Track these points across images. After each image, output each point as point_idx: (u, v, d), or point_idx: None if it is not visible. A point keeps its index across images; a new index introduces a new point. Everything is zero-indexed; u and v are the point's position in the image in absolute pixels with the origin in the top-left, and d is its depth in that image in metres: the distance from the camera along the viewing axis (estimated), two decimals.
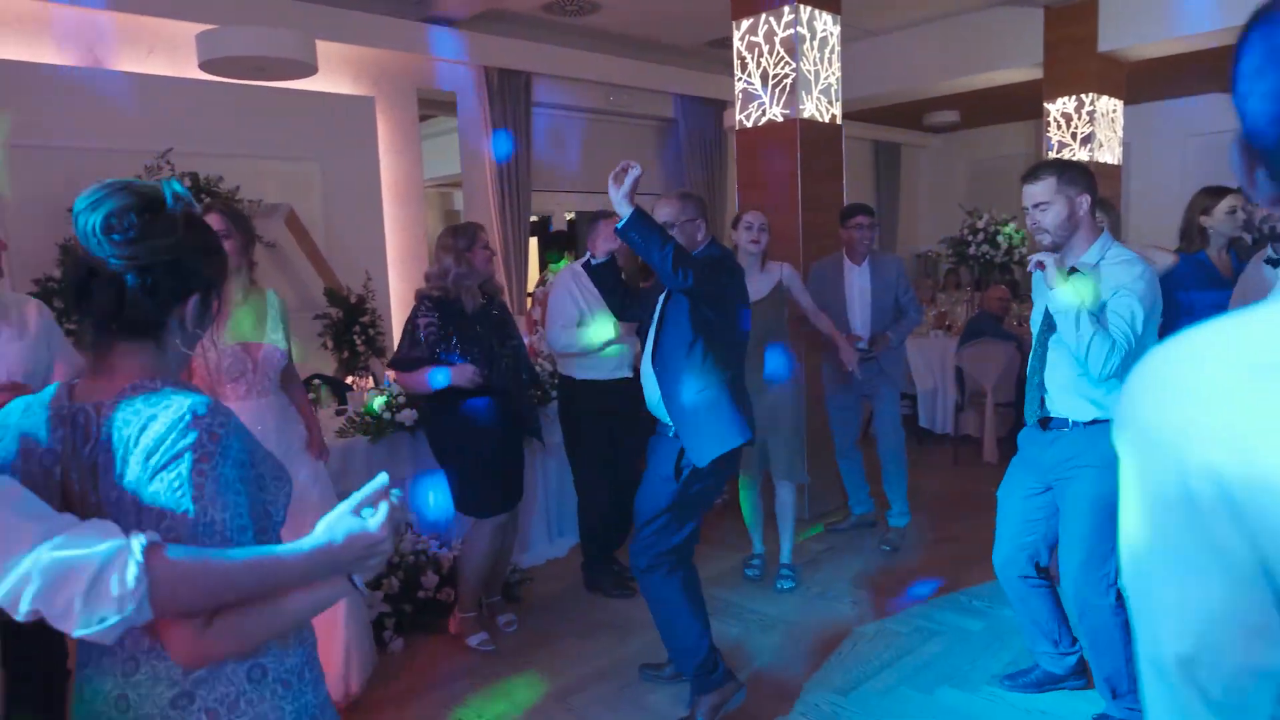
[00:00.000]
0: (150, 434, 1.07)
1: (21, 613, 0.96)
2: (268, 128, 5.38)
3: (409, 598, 3.41)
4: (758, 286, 3.74)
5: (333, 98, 5.73)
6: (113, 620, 0.95)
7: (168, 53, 4.98)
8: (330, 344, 5.48)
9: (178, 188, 1.15)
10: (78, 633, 0.96)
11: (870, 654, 3.21)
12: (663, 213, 2.76)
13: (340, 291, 5.57)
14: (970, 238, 6.47)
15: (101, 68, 4.82)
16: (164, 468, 1.06)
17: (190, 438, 1.07)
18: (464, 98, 6.61)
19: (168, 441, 1.06)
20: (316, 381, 4.46)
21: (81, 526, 0.99)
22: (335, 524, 1.15)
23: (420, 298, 3.25)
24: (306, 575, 1.12)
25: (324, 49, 5.42)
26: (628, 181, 2.46)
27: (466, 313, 3.20)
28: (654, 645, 3.08)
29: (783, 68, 4.70)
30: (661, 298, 2.76)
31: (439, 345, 3.15)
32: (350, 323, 5.51)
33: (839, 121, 4.90)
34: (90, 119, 4.67)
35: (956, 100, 8.66)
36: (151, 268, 1.11)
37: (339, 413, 3.98)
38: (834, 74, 4.86)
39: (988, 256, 6.43)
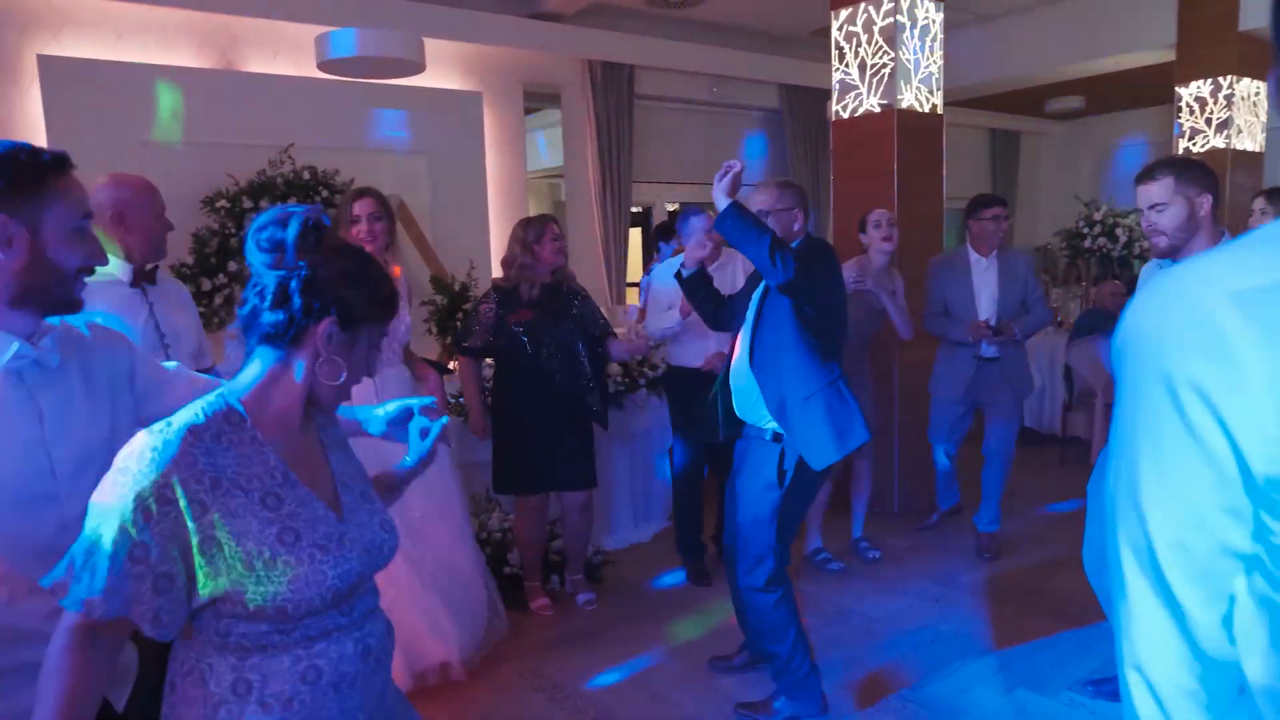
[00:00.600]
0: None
1: None
2: (380, 123, 5.69)
3: (496, 573, 3.60)
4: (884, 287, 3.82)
5: (442, 93, 6.01)
6: None
7: (291, 53, 5.35)
8: (434, 330, 5.78)
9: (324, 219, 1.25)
10: None
11: (948, 653, 3.20)
12: (758, 200, 2.69)
13: (445, 279, 5.86)
14: (1086, 230, 6.22)
15: (232, 69, 5.22)
16: None
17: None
18: (568, 91, 6.81)
19: None
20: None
21: None
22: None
23: (492, 286, 3.50)
24: None
25: (434, 46, 5.70)
26: (729, 177, 2.47)
27: (522, 300, 3.37)
28: (730, 631, 3.17)
29: (881, 57, 4.67)
30: (757, 297, 2.69)
31: (493, 331, 3.38)
32: (453, 309, 5.79)
33: (940, 111, 4.82)
34: (221, 117, 5.07)
35: (1080, 85, 8.30)
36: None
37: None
38: (935, 62, 4.78)
39: (1105, 250, 6.17)
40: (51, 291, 1.24)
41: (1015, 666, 3.09)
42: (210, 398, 1.16)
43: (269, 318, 1.17)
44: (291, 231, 1.16)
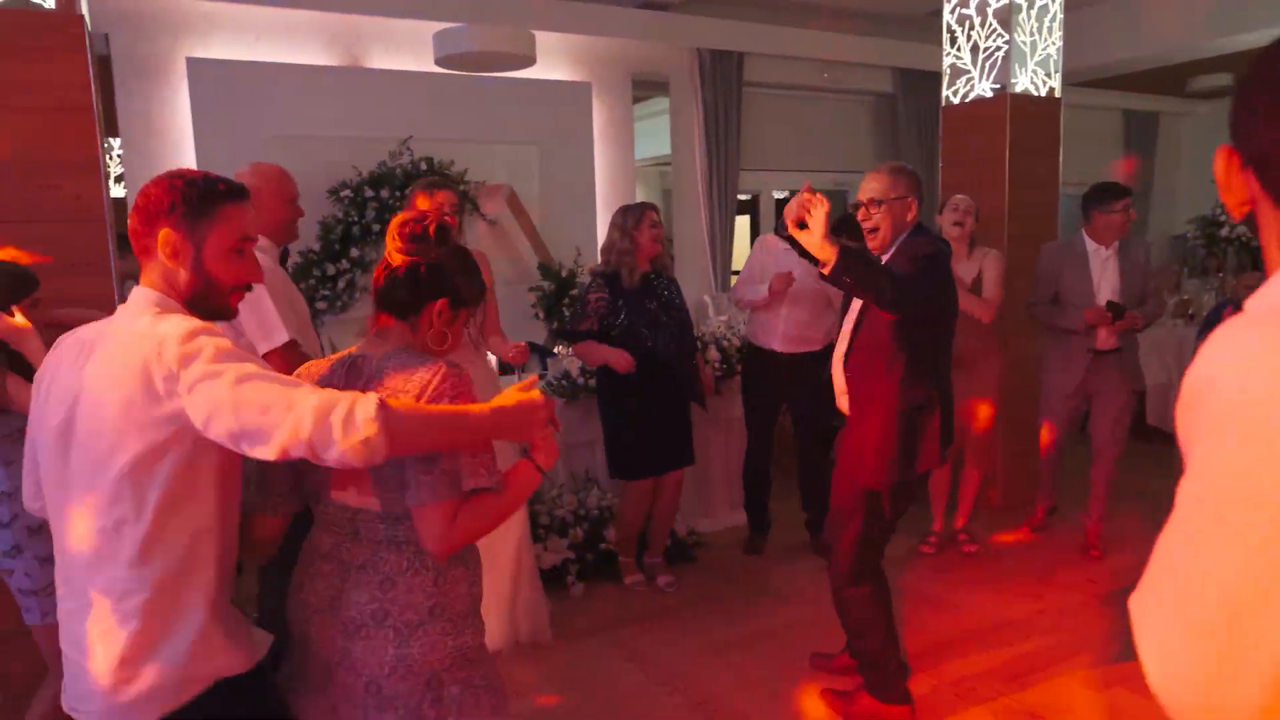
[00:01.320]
0: (416, 379, 1.45)
1: (301, 441, 1.26)
2: (493, 115, 5.96)
3: (591, 548, 3.79)
4: (959, 275, 3.78)
5: (553, 84, 6.23)
6: (362, 437, 1.26)
7: (412, 49, 5.67)
8: (541, 314, 6.04)
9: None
10: (337, 453, 1.27)
11: (1045, 648, 3.19)
12: (869, 188, 2.59)
13: (553, 266, 6.11)
14: (1222, 217, 5.90)
15: (357, 66, 5.58)
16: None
17: (449, 383, 1.45)
18: (677, 79, 6.92)
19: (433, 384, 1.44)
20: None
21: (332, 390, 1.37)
22: (505, 395, 1.51)
23: (592, 274, 3.65)
24: (492, 427, 1.45)
25: (545, 39, 5.92)
26: (819, 219, 2.21)
27: (626, 286, 3.52)
28: (814, 615, 3.25)
29: (994, 40, 4.58)
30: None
31: (608, 318, 3.51)
32: (560, 295, 6.03)
33: (1058, 95, 4.70)
34: (346, 111, 5.43)
35: (1227, 62, 7.81)
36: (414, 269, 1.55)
37: (541, 376, 4.43)
38: (1054, 44, 4.66)
39: (1244, 240, 5.84)
40: (209, 300, 1.46)
41: (1115, 665, 3.05)
42: (344, 352, 1.54)
43: (401, 295, 1.53)
44: (426, 230, 1.54)
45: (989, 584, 3.77)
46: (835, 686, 2.89)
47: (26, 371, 2.07)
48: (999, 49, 4.56)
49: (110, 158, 5.25)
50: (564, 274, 6.04)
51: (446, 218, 1.61)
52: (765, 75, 7.25)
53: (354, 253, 5.30)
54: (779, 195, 8.58)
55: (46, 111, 2.62)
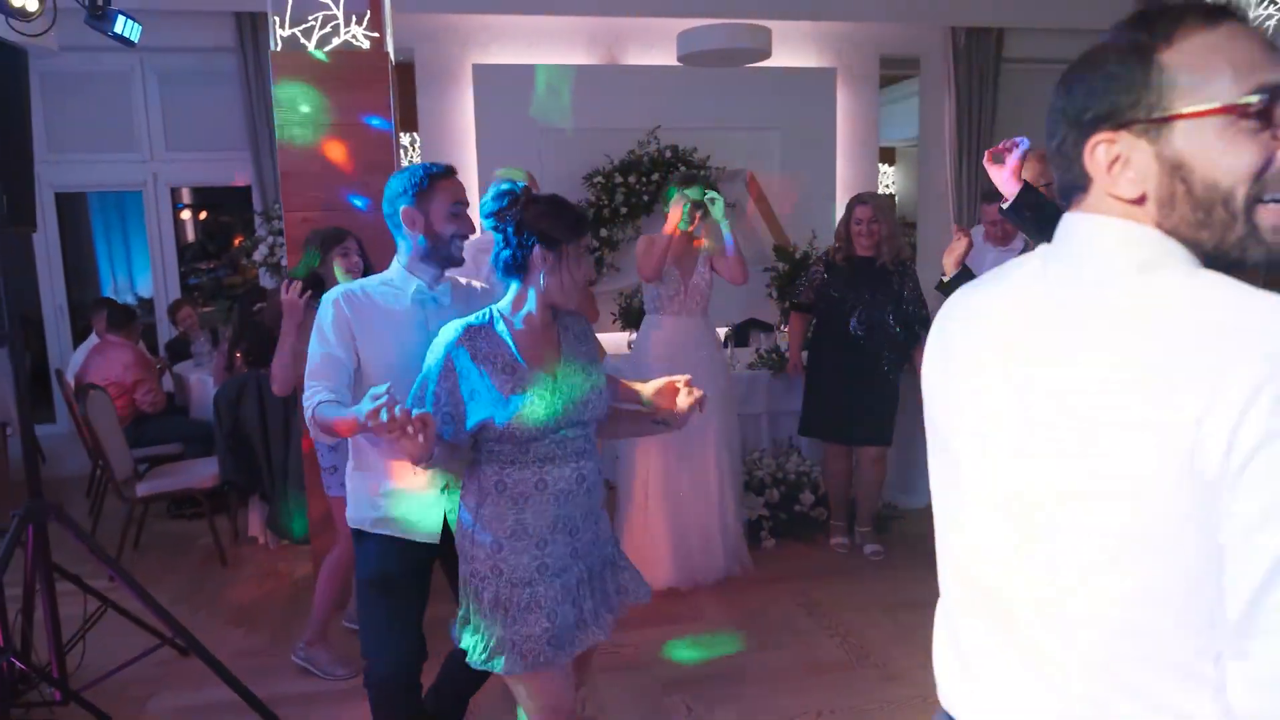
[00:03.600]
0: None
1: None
2: (736, 103, 6.49)
3: (786, 509, 4.27)
4: None
5: (795, 72, 6.64)
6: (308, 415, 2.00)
7: (662, 45, 6.34)
8: (774, 295, 6.51)
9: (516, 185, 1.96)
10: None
11: None
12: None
13: (788, 248, 6.55)
14: None
15: (614, 64, 6.36)
16: None
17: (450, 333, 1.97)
18: (928, 60, 7.05)
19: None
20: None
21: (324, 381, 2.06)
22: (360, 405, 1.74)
23: (823, 252, 4.15)
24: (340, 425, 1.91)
25: (789, 27, 6.35)
26: (1011, 159, 2.32)
27: (841, 268, 3.94)
28: None
29: (1266, 8, 4.40)
30: None
31: (816, 291, 4.10)
32: (794, 276, 6.47)
33: None
34: (602, 105, 6.21)
35: None
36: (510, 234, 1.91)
37: (756, 350, 4.94)
38: None
39: None
40: (438, 251, 2.14)
41: None
42: (485, 310, 1.93)
43: (504, 255, 1.88)
44: (497, 200, 1.89)
45: None
46: None
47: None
48: (1272, 17, 4.37)
49: (414, 151, 6.44)
50: (797, 256, 6.47)
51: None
52: (1027, 50, 7.15)
53: (603, 233, 6.10)
54: None
55: (361, 126, 3.54)
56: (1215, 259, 0.87)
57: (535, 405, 1.85)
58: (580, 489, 1.93)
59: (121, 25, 3.15)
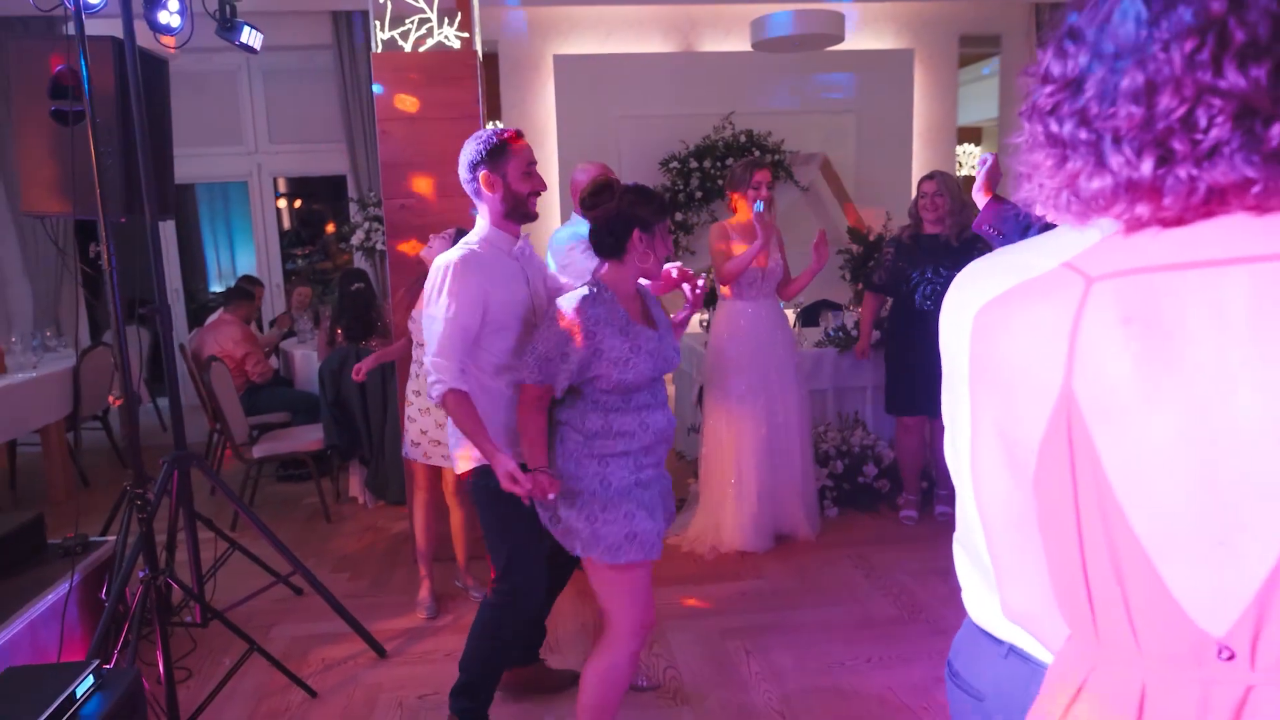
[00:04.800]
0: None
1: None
2: (811, 87, 6.74)
3: (850, 480, 4.55)
4: None
5: (871, 54, 6.84)
6: (434, 398, 2.33)
7: (739, 32, 6.62)
8: (848, 276, 6.74)
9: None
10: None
11: None
12: None
13: (861, 230, 6.77)
14: None
15: (690, 51, 6.67)
16: None
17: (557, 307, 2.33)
18: (1009, 38, 7.15)
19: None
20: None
21: None
22: (506, 459, 2.25)
23: (898, 230, 4.44)
24: (483, 451, 2.31)
25: (866, 10, 6.56)
26: (980, 175, 2.39)
27: (910, 246, 4.20)
28: None
29: None
30: None
31: (888, 271, 4.38)
32: (867, 258, 6.69)
33: None
34: (679, 92, 6.54)
35: None
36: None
37: (825, 330, 5.22)
38: None
39: None
40: (518, 209, 2.49)
41: None
42: (591, 284, 2.31)
43: (607, 241, 2.29)
44: (594, 195, 2.35)
45: None
46: None
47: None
48: None
49: None
50: (871, 238, 6.68)
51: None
52: None
53: (679, 216, 6.43)
54: None
55: (451, 120, 3.95)
56: None
57: (645, 360, 2.25)
58: (669, 428, 2.35)
59: (246, 35, 3.62)
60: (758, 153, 6.42)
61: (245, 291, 5.79)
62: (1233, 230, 0.73)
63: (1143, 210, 0.76)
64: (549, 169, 6.54)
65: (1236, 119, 0.69)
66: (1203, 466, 0.71)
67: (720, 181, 6.43)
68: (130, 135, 2.89)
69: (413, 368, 3.61)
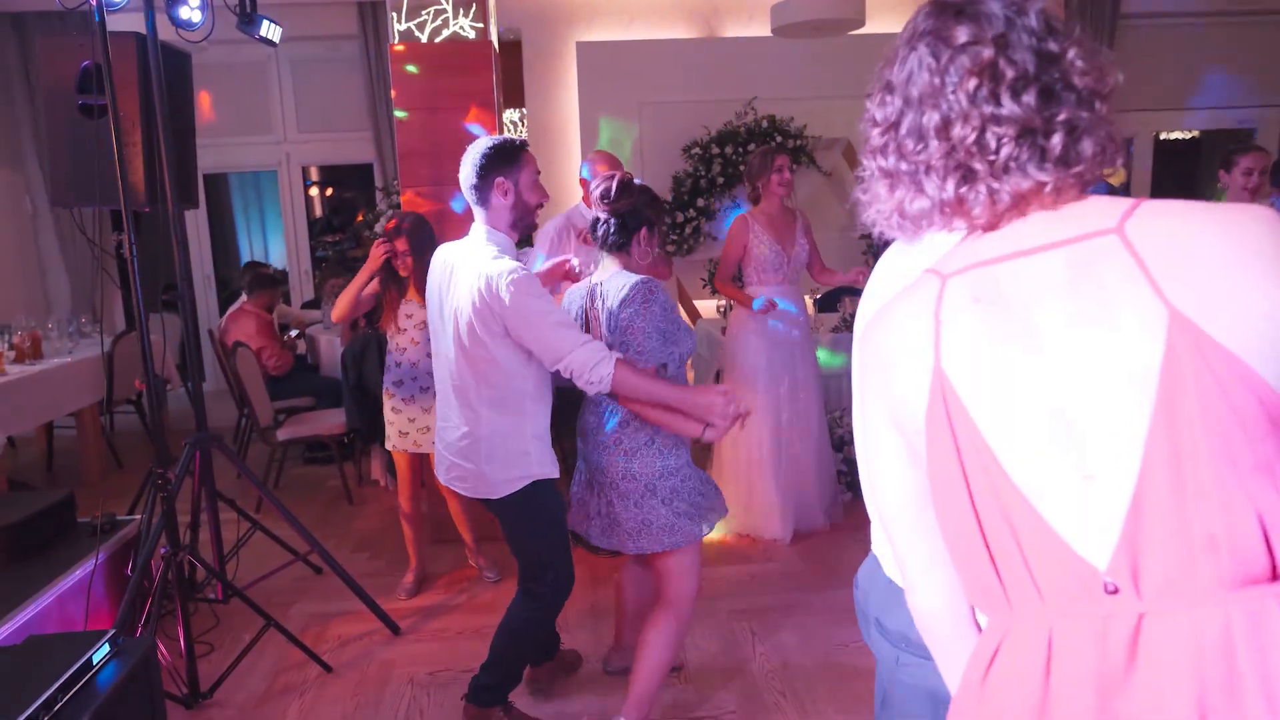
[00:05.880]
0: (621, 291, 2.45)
1: (565, 372, 2.37)
2: (833, 72, 6.72)
3: None
4: None
5: (893, 38, 6.74)
6: (601, 383, 2.31)
7: (762, 16, 6.62)
8: (871, 261, 6.74)
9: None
10: (589, 389, 2.33)
11: None
12: None
13: None
14: None
15: (713, 37, 6.69)
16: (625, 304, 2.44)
17: (641, 291, 2.41)
18: None
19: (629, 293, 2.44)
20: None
21: (593, 341, 2.38)
22: (706, 389, 2.35)
23: None
24: (678, 403, 2.34)
25: None
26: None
27: None
28: None
29: None
30: None
31: None
32: (887, 243, 6.67)
33: None
34: (701, 78, 6.57)
35: None
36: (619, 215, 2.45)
37: (842, 315, 5.25)
38: None
39: None
40: (524, 219, 2.56)
41: None
42: (628, 275, 2.40)
43: (616, 238, 2.42)
44: (613, 189, 2.39)
45: None
46: None
47: None
48: None
49: (522, 127, 6.97)
50: None
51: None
52: (1148, 4, 7.07)
53: (700, 202, 6.48)
54: (1168, 135, 8.20)
55: (468, 110, 4.04)
56: None
57: (688, 344, 2.42)
58: None
59: (265, 28, 3.73)
60: (780, 138, 6.43)
61: (270, 279, 5.94)
62: (1041, 224, 0.89)
63: (959, 223, 0.94)
64: (571, 155, 6.62)
65: (1019, 138, 0.88)
66: (1057, 411, 0.85)
67: (742, 167, 6.46)
68: (153, 127, 3.02)
69: (389, 359, 3.67)
